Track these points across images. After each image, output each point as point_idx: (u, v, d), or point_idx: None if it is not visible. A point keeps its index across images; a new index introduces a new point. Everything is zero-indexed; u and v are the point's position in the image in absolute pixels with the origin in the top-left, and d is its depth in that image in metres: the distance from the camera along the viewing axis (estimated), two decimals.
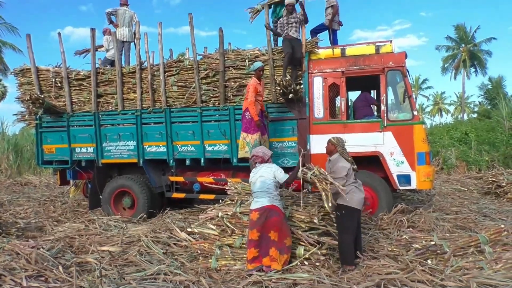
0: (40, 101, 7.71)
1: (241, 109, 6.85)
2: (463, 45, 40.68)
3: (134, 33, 8.60)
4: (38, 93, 8.01)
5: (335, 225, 4.97)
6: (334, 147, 4.74)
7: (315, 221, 4.75)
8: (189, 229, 5.59)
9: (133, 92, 7.82)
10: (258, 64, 6.51)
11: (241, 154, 6.51)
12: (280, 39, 7.14)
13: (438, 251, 4.50)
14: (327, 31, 7.82)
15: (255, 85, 6.37)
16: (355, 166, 4.75)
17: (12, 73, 8.74)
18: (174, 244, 5.64)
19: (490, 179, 9.90)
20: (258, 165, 4.80)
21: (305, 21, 6.97)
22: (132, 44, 8.72)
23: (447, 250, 4.44)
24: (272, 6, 7.49)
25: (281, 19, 7.10)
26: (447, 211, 7.42)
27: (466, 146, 15.13)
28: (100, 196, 7.90)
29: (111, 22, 8.71)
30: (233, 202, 5.34)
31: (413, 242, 4.85)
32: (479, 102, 43.09)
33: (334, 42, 7.73)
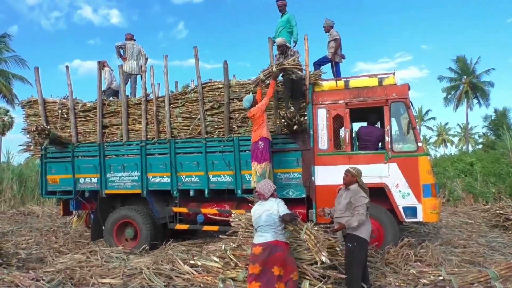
0: (46, 132, 7.78)
1: (245, 139, 6.92)
2: (465, 77, 41.12)
3: (141, 66, 8.78)
4: (44, 124, 8.10)
5: (341, 258, 4.89)
6: (355, 178, 4.77)
7: (323, 259, 4.38)
8: (192, 262, 5.50)
9: (138, 123, 7.89)
10: (250, 96, 6.58)
11: (252, 184, 6.43)
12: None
13: (447, 287, 4.38)
14: (329, 63, 7.94)
15: (259, 105, 6.43)
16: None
17: (20, 105, 8.88)
18: (177, 276, 5.53)
19: (497, 211, 9.74)
20: (262, 201, 4.72)
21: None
22: (138, 76, 8.90)
23: (456, 286, 4.33)
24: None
25: (276, 57, 7.09)
26: (454, 244, 7.28)
27: (472, 177, 15.00)
28: (103, 227, 7.83)
29: (120, 55, 8.91)
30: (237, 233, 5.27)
31: (421, 277, 4.74)
32: (483, 133, 43.17)
33: (337, 74, 7.84)
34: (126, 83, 8.62)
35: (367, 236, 4.61)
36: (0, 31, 27.37)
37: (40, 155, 8.40)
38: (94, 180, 8.03)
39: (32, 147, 8.58)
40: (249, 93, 7.15)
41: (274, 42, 7.14)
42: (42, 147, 8.26)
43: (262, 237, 4.41)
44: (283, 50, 7.03)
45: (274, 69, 6.62)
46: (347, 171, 4.84)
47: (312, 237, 4.38)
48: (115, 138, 8.04)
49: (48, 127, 8.02)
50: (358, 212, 4.53)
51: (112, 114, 8.12)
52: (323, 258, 4.29)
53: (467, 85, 40.63)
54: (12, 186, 15.63)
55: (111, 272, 5.77)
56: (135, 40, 9.09)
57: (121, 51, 8.92)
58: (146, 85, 8.02)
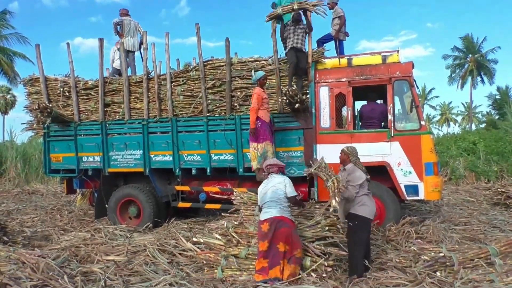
0: (48, 110, 7.77)
1: (247, 118, 6.86)
2: (470, 55, 40.66)
3: (141, 43, 8.69)
4: (46, 102, 8.08)
5: (342, 235, 4.94)
6: (347, 156, 4.78)
7: (334, 202, 4.49)
8: (194, 239, 5.57)
9: (140, 101, 7.86)
10: (260, 73, 6.54)
11: (254, 165, 6.42)
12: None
13: (447, 263, 4.42)
14: (333, 41, 7.84)
15: (259, 93, 6.37)
16: (368, 176, 4.78)
17: (21, 83, 8.84)
18: (180, 254, 5.61)
19: (499, 189, 9.76)
20: (271, 176, 4.82)
21: (310, 28, 6.94)
22: (137, 53, 8.82)
23: (456, 262, 4.37)
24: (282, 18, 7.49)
25: (288, 24, 7.08)
26: (455, 222, 7.33)
27: (475, 156, 14.99)
28: (106, 205, 7.90)
29: (117, 32, 8.81)
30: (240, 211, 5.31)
31: (422, 253, 4.77)
32: (487, 112, 42.95)
33: (340, 52, 7.74)
34: (134, 60, 8.56)
35: (370, 215, 4.63)
36: (0, 7, 27.04)
37: (43, 134, 8.41)
38: (97, 158, 8.05)
39: (34, 125, 8.58)
40: (250, 71, 7.10)
41: (274, 4, 7.19)
42: (45, 126, 8.26)
43: (267, 213, 4.48)
44: (299, 18, 6.91)
45: (296, 6, 6.64)
46: (341, 150, 4.87)
47: (335, 185, 4.45)
48: (117, 117, 8.02)
49: (50, 105, 8.01)
50: (348, 189, 4.56)
51: (114, 92, 8.08)
52: (334, 202, 4.39)
53: (473, 63, 40.20)
54: (16, 165, 15.73)
55: (116, 249, 5.86)
56: (129, 15, 8.95)
57: (118, 27, 8.80)
58: (148, 63, 7.93)
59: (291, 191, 4.65)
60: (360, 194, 4.60)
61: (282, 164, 4.99)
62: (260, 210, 4.69)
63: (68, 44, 8.38)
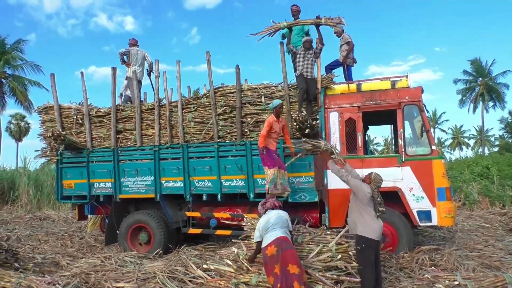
0: (62, 137, 7.90)
1: (257, 144, 6.91)
2: (480, 79, 40.55)
3: (150, 71, 8.89)
4: (60, 130, 8.23)
5: (354, 262, 4.86)
6: (370, 181, 4.84)
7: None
8: (205, 266, 5.52)
9: (152, 128, 7.97)
10: (277, 102, 6.60)
11: (267, 188, 6.46)
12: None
13: None
14: (341, 67, 7.92)
15: (271, 122, 6.45)
16: (383, 209, 4.75)
17: (36, 111, 9.03)
18: (190, 281, 5.56)
19: None
20: (269, 211, 4.95)
21: (321, 43, 7.14)
22: (147, 81, 9.04)
23: None
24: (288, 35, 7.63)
25: (299, 50, 7.20)
26: (470, 248, 7.15)
27: (488, 180, 14.77)
28: (117, 232, 7.90)
29: (123, 61, 9.01)
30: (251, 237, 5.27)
31: (436, 282, 4.67)
32: (500, 136, 42.51)
33: (349, 78, 7.80)
34: (140, 89, 8.72)
35: (375, 236, 4.62)
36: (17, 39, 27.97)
37: (55, 161, 8.53)
38: (109, 184, 8.11)
39: (48, 152, 8.71)
40: (260, 98, 7.19)
41: (284, 37, 7.50)
42: (58, 153, 8.39)
43: (272, 236, 4.47)
44: (310, 46, 7.15)
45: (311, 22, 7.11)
46: (369, 173, 4.95)
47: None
48: (129, 143, 8.13)
49: (64, 132, 8.15)
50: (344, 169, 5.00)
51: (126, 119, 8.22)
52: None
53: (483, 87, 40.07)
54: (28, 191, 15.88)
55: (125, 276, 5.82)
56: (138, 45, 9.17)
57: (125, 57, 9.02)
58: (159, 90, 8.08)
59: (290, 224, 4.81)
60: (364, 214, 4.68)
61: (278, 202, 5.20)
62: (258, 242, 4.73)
63: (82, 73, 8.60)
